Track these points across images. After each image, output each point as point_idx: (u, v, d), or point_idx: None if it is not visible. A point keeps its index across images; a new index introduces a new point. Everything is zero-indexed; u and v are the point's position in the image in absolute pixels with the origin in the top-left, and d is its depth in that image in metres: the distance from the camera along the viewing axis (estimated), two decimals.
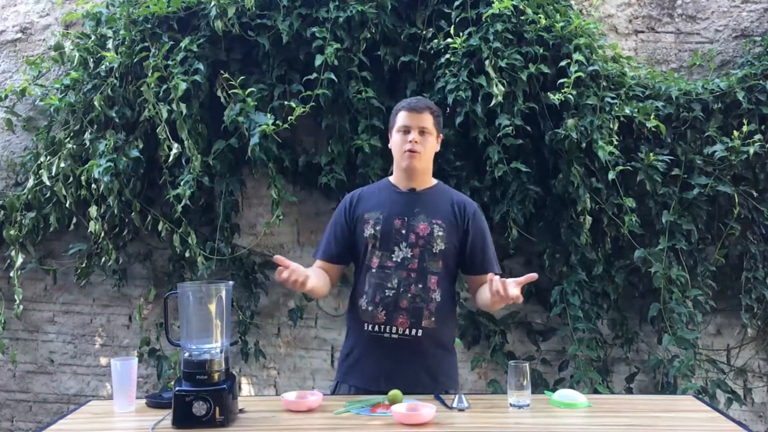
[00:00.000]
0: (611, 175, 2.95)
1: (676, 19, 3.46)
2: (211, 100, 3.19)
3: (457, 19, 3.06)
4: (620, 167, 2.97)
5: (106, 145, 3.12)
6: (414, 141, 2.09)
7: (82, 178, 3.17)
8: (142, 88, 3.08)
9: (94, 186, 3.17)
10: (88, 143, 3.22)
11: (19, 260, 3.30)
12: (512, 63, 2.98)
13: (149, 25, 3.16)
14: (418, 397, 1.89)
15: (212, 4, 3.05)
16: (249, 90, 3.02)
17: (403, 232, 2.10)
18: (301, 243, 3.45)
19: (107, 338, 3.52)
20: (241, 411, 1.80)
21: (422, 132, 2.11)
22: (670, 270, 3.01)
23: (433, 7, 3.14)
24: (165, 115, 3.05)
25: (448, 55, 3.00)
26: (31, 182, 3.28)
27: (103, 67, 3.20)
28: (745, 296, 3.16)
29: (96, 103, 3.14)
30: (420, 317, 2.04)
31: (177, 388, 1.69)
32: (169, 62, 3.05)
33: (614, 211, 3.05)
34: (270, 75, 3.18)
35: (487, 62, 2.97)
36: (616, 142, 2.98)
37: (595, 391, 2.94)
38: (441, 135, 2.22)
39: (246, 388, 3.42)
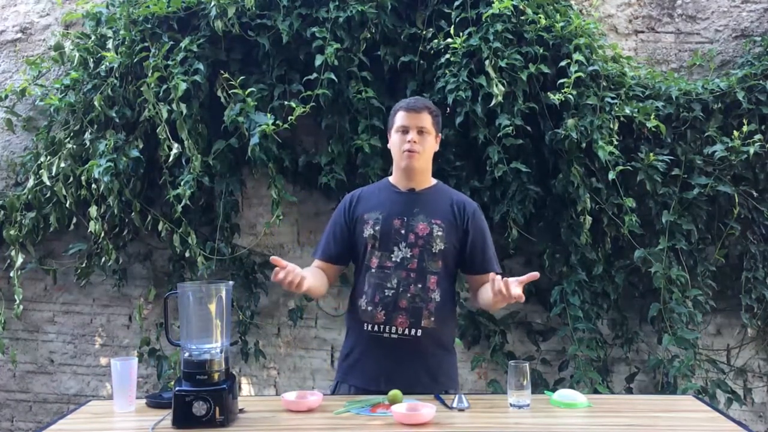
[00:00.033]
0: (611, 175, 2.95)
1: (676, 19, 3.46)
2: (211, 100, 3.19)
3: (457, 19, 3.06)
4: (620, 167, 2.97)
5: (106, 145, 3.12)
6: (413, 141, 2.09)
7: (82, 178, 3.17)
8: (142, 88, 3.08)
9: (94, 186, 3.17)
10: (88, 143, 3.22)
11: (19, 260, 3.30)
12: (512, 63, 2.98)
13: (149, 25, 3.16)
14: (418, 397, 1.89)
15: (212, 4, 3.05)
16: (249, 90, 3.02)
17: (403, 232, 2.10)
18: (301, 243, 3.45)
19: (107, 338, 3.52)
20: (241, 411, 1.80)
21: (421, 132, 2.11)
22: (670, 270, 3.01)
23: (433, 7, 3.14)
24: (165, 115, 3.05)
25: (448, 55, 3.00)
26: (31, 182, 3.28)
27: (103, 67, 3.20)
28: (745, 296, 3.16)
29: (96, 103, 3.14)
30: (419, 317, 2.04)
31: (177, 388, 1.69)
32: (169, 62, 3.05)
33: (614, 211, 3.05)
34: (270, 75, 3.18)
35: (487, 62, 2.97)
36: (616, 142, 2.98)
37: (595, 391, 2.94)
38: (440, 135, 2.22)
39: (246, 388, 3.42)
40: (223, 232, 3.28)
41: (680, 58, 3.45)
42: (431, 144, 2.15)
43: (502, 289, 1.84)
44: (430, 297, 2.06)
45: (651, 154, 3.00)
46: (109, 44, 3.20)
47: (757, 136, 2.98)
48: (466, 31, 3.03)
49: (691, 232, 3.06)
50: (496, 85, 2.94)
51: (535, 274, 1.89)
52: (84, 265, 3.37)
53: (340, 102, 3.13)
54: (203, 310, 1.77)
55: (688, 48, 3.45)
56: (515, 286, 1.85)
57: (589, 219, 3.00)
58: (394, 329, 2.04)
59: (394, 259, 2.08)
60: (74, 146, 3.24)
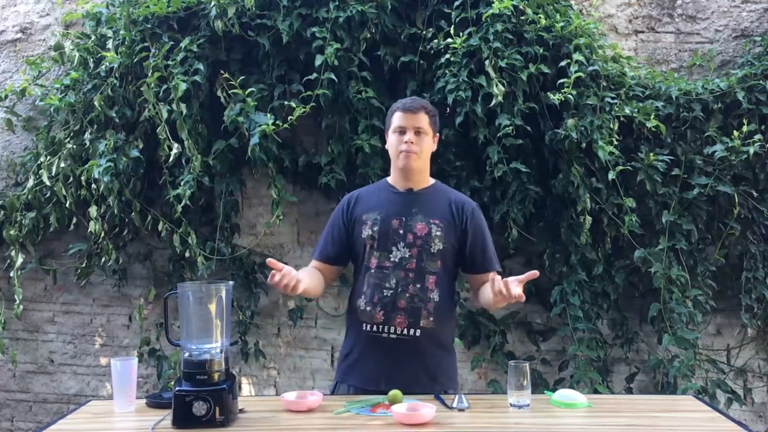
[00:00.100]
0: (611, 175, 2.95)
1: (676, 19, 3.46)
2: (211, 100, 3.19)
3: (457, 19, 3.06)
4: (620, 167, 2.97)
5: (106, 145, 3.12)
6: (410, 142, 2.09)
7: (82, 178, 3.17)
8: (142, 88, 3.08)
9: (94, 186, 3.17)
10: (88, 143, 3.22)
11: (19, 260, 3.30)
12: (512, 63, 2.98)
13: (149, 25, 3.16)
14: (418, 397, 1.89)
15: (212, 4, 3.05)
16: (249, 90, 3.02)
17: (401, 232, 2.10)
18: (301, 243, 3.45)
19: (107, 338, 3.52)
20: (241, 411, 1.80)
21: (418, 132, 2.11)
22: (670, 270, 3.01)
23: (433, 7, 3.14)
24: (165, 115, 3.05)
25: (448, 55, 3.00)
26: (31, 182, 3.28)
27: (103, 67, 3.20)
28: (745, 296, 3.16)
29: (96, 103, 3.14)
30: (418, 317, 2.04)
31: (177, 388, 1.69)
32: (169, 62, 3.05)
33: (614, 211, 3.05)
34: (270, 75, 3.18)
35: (487, 62, 2.97)
36: (616, 142, 2.98)
37: (595, 391, 2.94)
38: (437, 134, 2.22)
39: (246, 388, 3.42)
40: (223, 232, 3.28)
41: (680, 58, 3.45)
42: (429, 144, 2.15)
43: (502, 289, 1.84)
44: (428, 297, 2.06)
45: (651, 154, 3.00)
46: (109, 44, 3.20)
47: (757, 136, 2.98)
48: (466, 31, 3.03)
49: (691, 232, 3.06)
50: (496, 85, 2.94)
51: (534, 273, 1.89)
52: (84, 265, 3.37)
53: (340, 102, 3.13)
54: (203, 310, 1.77)
55: (688, 48, 3.45)
56: (515, 286, 1.85)
57: (589, 219, 3.00)
58: (392, 329, 2.04)
59: (392, 259, 2.08)
60: (74, 146, 3.24)
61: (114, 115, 3.19)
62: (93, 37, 3.33)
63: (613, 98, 3.03)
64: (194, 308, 1.78)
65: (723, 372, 3.24)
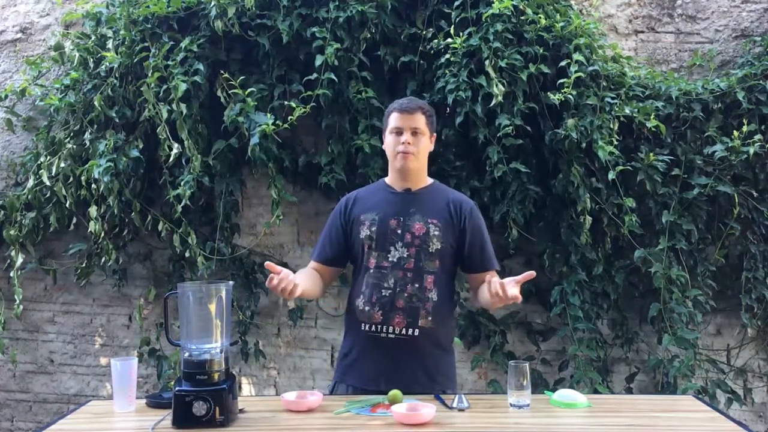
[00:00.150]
0: (611, 175, 2.95)
1: (676, 19, 3.46)
2: (211, 100, 3.19)
3: (457, 19, 3.06)
4: (620, 167, 2.97)
5: (106, 145, 3.12)
6: (407, 142, 2.10)
7: (82, 178, 3.17)
8: (142, 88, 3.08)
9: (94, 186, 3.17)
10: (88, 143, 3.22)
11: (19, 260, 3.30)
12: (512, 63, 2.98)
13: (149, 25, 3.16)
14: (418, 397, 1.89)
15: (212, 4, 3.05)
16: (249, 90, 3.02)
17: (399, 232, 2.10)
18: (301, 243, 3.45)
19: (107, 338, 3.52)
20: (241, 411, 1.80)
21: (415, 133, 2.11)
22: (670, 270, 3.01)
23: (433, 7, 3.14)
24: (165, 115, 3.05)
25: (448, 55, 3.00)
26: (31, 182, 3.28)
27: (103, 67, 3.20)
28: (745, 296, 3.16)
29: (96, 103, 3.14)
30: (416, 317, 2.04)
31: (177, 388, 1.69)
32: (169, 62, 3.05)
33: (614, 211, 3.05)
34: (270, 75, 3.18)
35: (487, 62, 2.96)
36: (616, 142, 2.98)
37: (595, 391, 2.94)
38: (435, 134, 2.22)
39: (246, 388, 3.42)
40: (223, 232, 3.28)
41: (680, 58, 3.45)
42: (426, 144, 2.16)
43: (498, 290, 1.85)
44: (427, 297, 2.06)
45: (651, 154, 3.00)
46: (109, 44, 3.20)
47: (757, 136, 2.98)
48: (466, 31, 3.03)
49: (691, 232, 3.06)
50: (496, 85, 2.94)
51: (531, 273, 1.89)
52: (84, 265, 3.37)
53: (340, 102, 3.13)
54: (203, 310, 1.77)
55: (688, 48, 3.45)
56: (512, 287, 1.86)
57: (589, 219, 3.00)
58: (391, 329, 2.04)
59: (390, 259, 2.08)
60: (74, 146, 3.24)
61: (114, 115, 3.19)
62: (93, 37, 3.33)
63: (613, 98, 3.03)
64: (194, 308, 1.78)
65: (723, 372, 3.24)
